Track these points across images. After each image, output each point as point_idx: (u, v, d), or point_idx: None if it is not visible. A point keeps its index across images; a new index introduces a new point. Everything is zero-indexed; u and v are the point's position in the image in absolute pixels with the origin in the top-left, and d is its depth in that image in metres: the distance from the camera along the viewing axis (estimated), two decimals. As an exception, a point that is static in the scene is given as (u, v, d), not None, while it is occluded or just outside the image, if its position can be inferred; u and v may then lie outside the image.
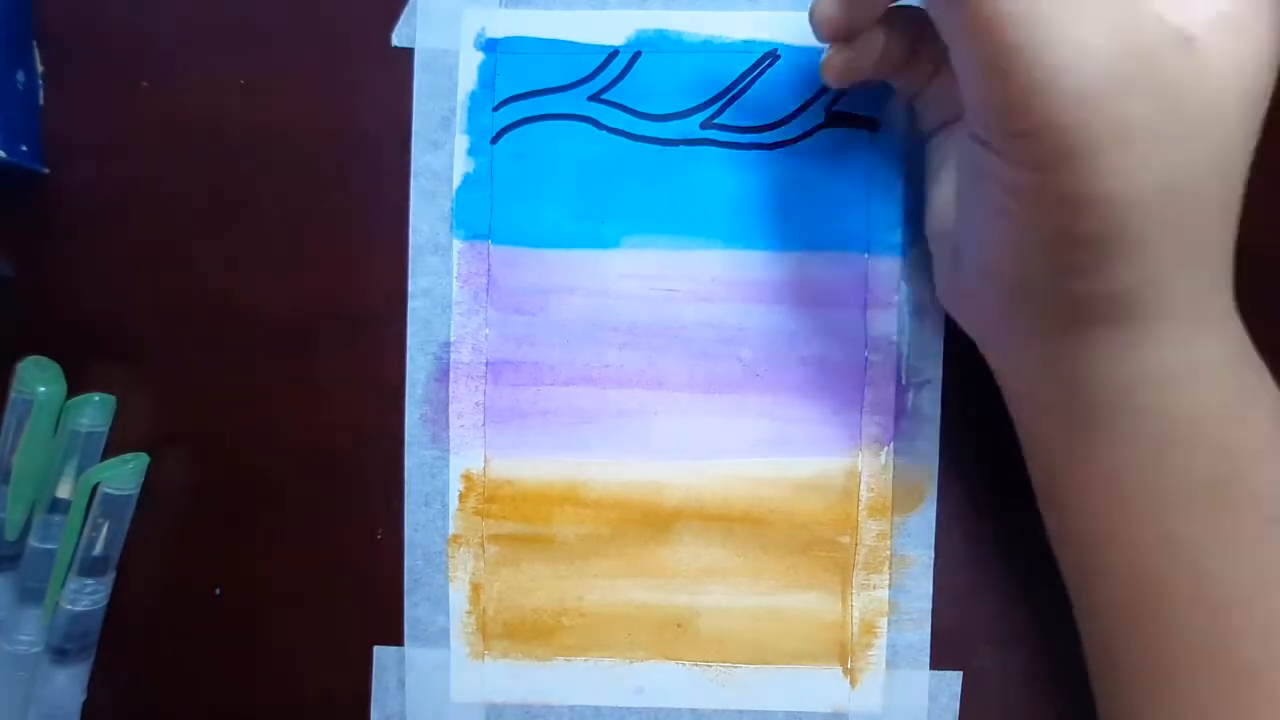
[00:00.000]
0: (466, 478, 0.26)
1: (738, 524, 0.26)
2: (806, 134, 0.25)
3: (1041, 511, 0.22)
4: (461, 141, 0.26)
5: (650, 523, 0.26)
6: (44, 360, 0.26)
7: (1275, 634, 0.18)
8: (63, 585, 0.26)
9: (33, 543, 0.26)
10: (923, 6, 0.20)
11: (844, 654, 0.26)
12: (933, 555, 0.26)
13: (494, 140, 0.26)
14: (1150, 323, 0.17)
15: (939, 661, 0.26)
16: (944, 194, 0.22)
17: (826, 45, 0.22)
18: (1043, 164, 0.15)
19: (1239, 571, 0.18)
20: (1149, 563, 0.19)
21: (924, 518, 0.26)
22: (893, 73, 0.22)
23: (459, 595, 0.26)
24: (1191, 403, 0.17)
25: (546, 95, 0.26)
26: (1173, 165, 0.15)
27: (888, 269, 0.25)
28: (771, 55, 0.25)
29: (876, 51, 0.21)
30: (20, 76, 0.25)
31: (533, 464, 0.26)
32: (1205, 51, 0.15)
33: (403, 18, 0.26)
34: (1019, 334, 0.20)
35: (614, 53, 0.26)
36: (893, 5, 0.21)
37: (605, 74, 0.26)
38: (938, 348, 0.26)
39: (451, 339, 0.26)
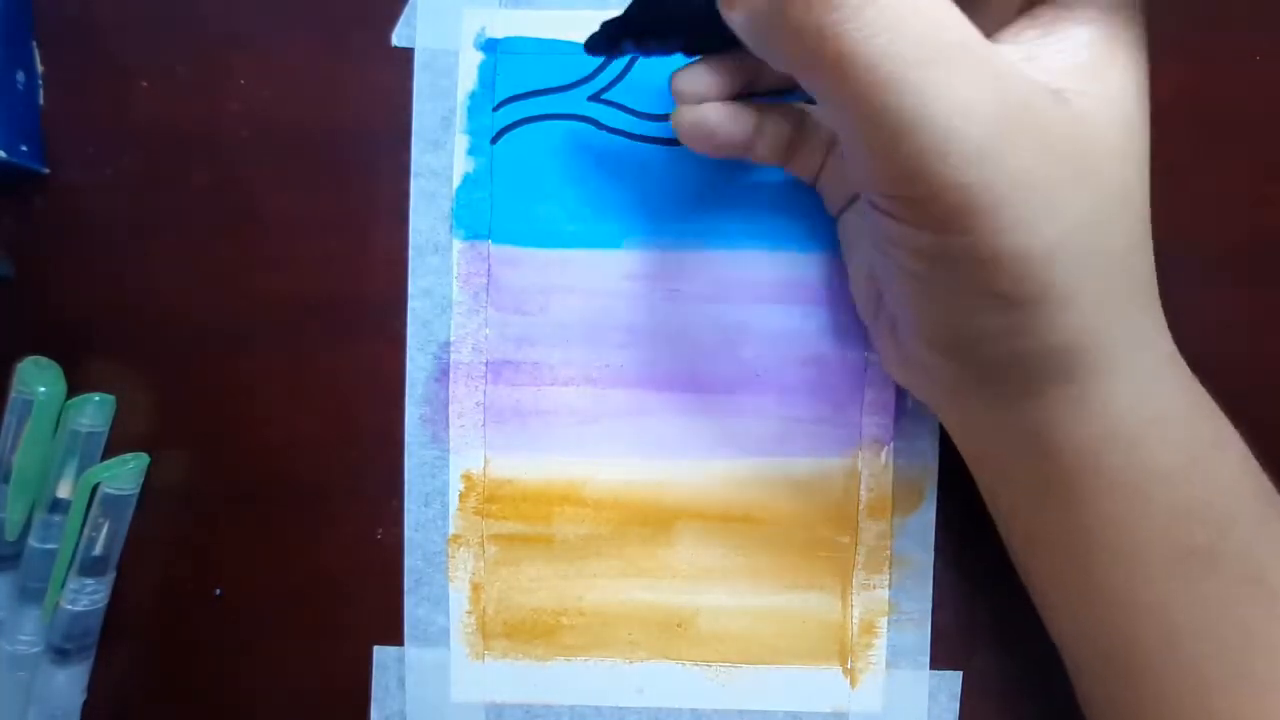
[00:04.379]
0: (466, 478, 0.26)
1: (738, 524, 0.26)
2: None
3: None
4: (461, 141, 0.26)
5: (650, 523, 0.26)
6: (44, 360, 0.26)
7: (1251, 690, 0.17)
8: (63, 585, 0.26)
9: (33, 543, 0.26)
10: (808, 96, 0.18)
11: (844, 654, 0.26)
12: (933, 555, 0.26)
13: (494, 140, 0.26)
14: (1102, 378, 0.16)
15: (939, 661, 0.26)
16: (863, 268, 0.22)
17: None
18: (946, 226, 0.15)
19: (1218, 630, 0.17)
20: (1120, 623, 0.19)
21: (924, 518, 0.26)
22: (779, 163, 0.23)
23: (459, 595, 0.26)
24: (1159, 462, 0.17)
25: (546, 95, 0.26)
26: (1071, 213, 0.14)
27: (888, 269, 0.26)
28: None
29: (740, 128, 0.21)
30: (20, 76, 0.25)
31: (533, 464, 0.26)
32: (1075, 100, 0.15)
33: (403, 18, 0.26)
34: (971, 398, 0.19)
35: (614, 53, 0.26)
36: (767, 103, 0.21)
37: (605, 74, 0.26)
38: (938, 348, 0.26)
39: (451, 339, 0.26)
